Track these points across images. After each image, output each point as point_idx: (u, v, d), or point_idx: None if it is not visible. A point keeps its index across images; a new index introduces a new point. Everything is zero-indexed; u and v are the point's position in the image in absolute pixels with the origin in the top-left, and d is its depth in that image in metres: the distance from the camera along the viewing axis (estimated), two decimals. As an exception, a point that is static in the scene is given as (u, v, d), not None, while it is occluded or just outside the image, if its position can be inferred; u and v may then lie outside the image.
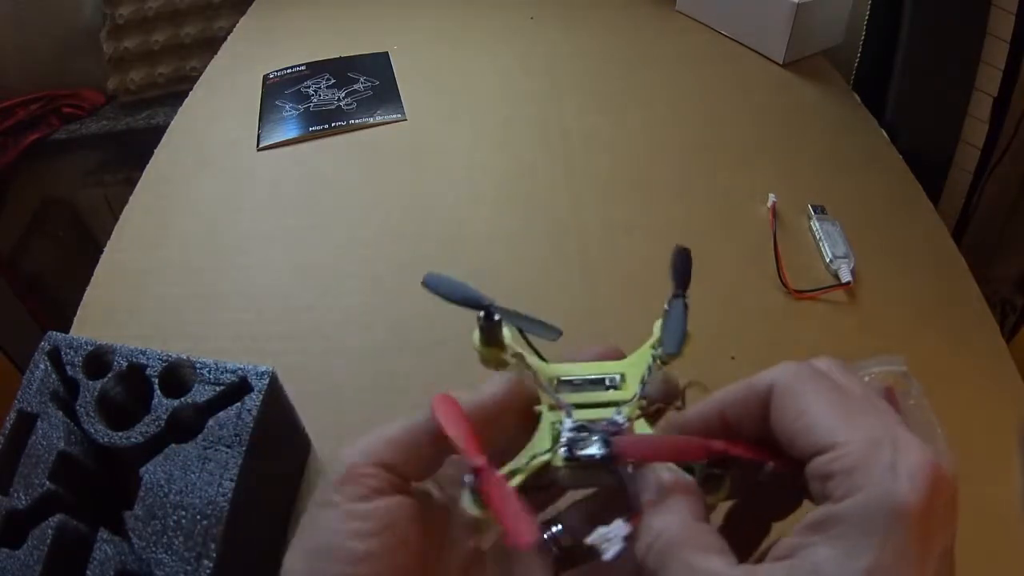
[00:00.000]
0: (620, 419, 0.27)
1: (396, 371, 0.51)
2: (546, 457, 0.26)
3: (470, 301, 0.29)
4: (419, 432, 0.25)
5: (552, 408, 0.28)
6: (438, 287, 0.29)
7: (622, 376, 0.30)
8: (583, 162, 0.67)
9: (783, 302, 0.55)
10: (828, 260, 0.57)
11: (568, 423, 0.27)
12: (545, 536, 0.28)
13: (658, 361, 0.29)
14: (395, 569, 0.23)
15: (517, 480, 0.25)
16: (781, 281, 0.56)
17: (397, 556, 0.23)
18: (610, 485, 0.26)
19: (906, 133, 0.71)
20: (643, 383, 0.29)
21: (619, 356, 0.31)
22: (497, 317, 0.30)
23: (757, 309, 0.54)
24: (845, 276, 0.55)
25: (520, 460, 0.26)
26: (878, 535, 0.18)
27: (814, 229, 0.59)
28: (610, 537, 0.24)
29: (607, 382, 0.29)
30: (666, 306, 0.31)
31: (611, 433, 0.26)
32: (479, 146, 0.70)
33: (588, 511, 0.29)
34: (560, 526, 0.28)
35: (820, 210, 0.60)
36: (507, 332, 0.31)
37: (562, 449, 0.26)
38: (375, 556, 0.23)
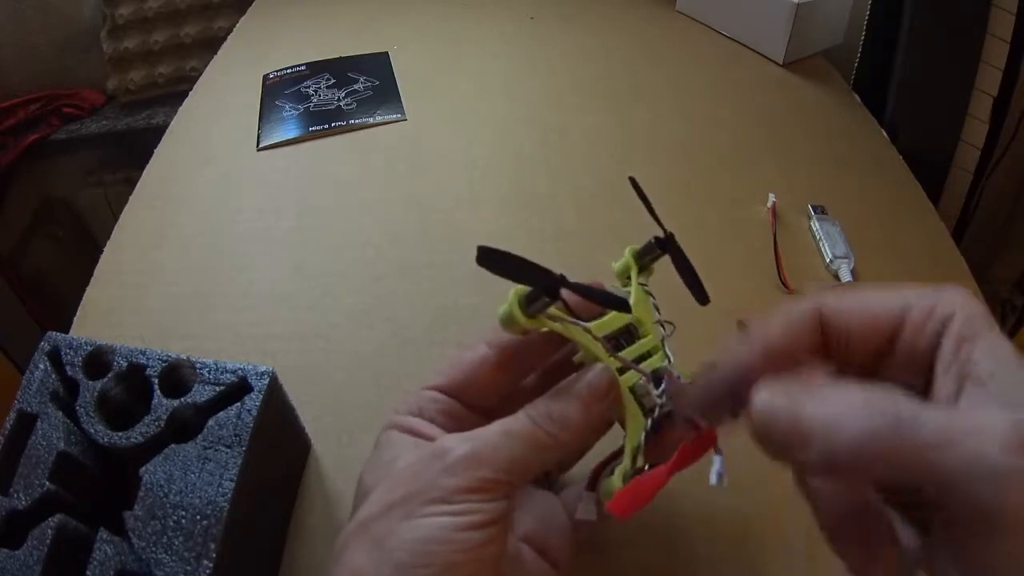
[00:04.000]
0: (676, 372, 0.30)
1: (396, 371, 0.51)
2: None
3: (538, 279, 0.28)
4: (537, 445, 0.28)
5: (620, 371, 0.30)
6: (496, 265, 0.27)
7: (637, 319, 0.32)
8: (583, 162, 0.67)
9: (783, 302, 0.55)
10: (828, 260, 0.57)
11: (642, 380, 0.30)
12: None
13: (645, 286, 0.32)
14: (493, 557, 0.27)
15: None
16: (781, 281, 0.56)
17: (495, 546, 0.27)
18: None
19: (906, 133, 0.71)
20: (660, 324, 0.32)
21: (600, 286, 0.32)
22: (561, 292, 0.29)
23: (757, 309, 0.54)
24: (845, 276, 0.55)
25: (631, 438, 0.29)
26: (990, 322, 0.22)
27: (814, 229, 0.59)
28: (721, 471, 0.26)
29: (634, 330, 0.32)
30: (657, 246, 0.33)
31: (672, 384, 0.29)
32: (479, 146, 0.70)
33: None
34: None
35: (820, 210, 0.60)
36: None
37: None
38: (487, 543, 0.26)
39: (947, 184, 0.75)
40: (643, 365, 0.30)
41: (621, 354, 0.30)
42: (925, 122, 0.73)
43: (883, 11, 0.74)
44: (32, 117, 1.12)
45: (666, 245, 0.32)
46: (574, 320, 0.30)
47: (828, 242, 0.57)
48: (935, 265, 0.58)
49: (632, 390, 0.29)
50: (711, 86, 0.76)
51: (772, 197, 0.61)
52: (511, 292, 0.29)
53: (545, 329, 0.29)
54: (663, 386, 0.29)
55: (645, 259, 0.34)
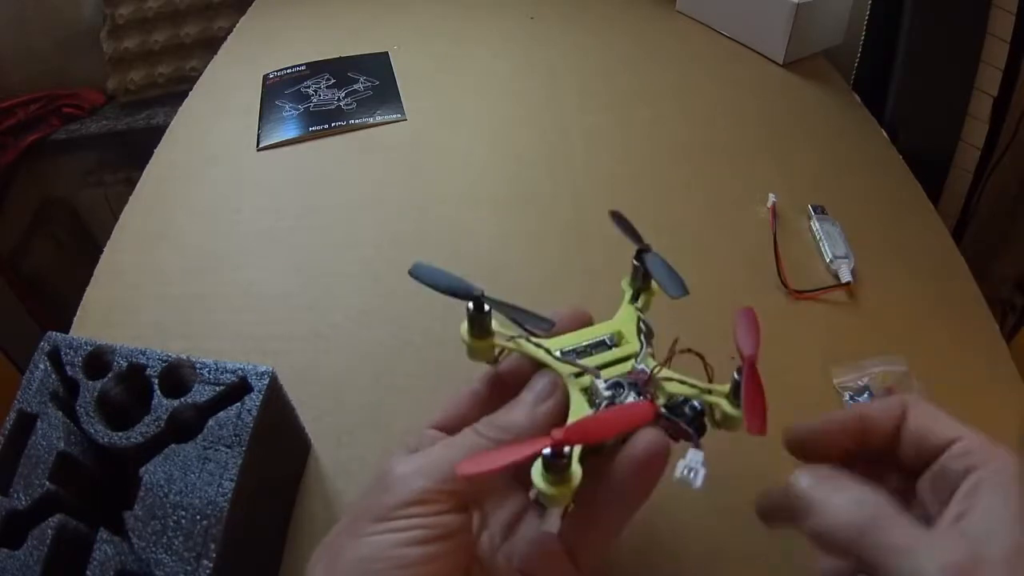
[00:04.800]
0: (644, 368, 0.29)
1: (396, 371, 0.51)
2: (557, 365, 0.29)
3: (459, 291, 0.30)
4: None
5: (577, 376, 0.29)
6: (425, 277, 0.30)
7: (618, 333, 0.31)
8: (583, 162, 0.67)
9: (783, 302, 0.55)
10: (828, 260, 0.57)
11: (601, 383, 0.28)
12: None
13: (639, 312, 0.32)
14: (445, 573, 0.26)
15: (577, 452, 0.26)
16: (781, 281, 0.56)
17: (445, 562, 0.26)
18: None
19: (906, 133, 0.71)
20: (642, 334, 0.31)
21: (587, 317, 0.32)
22: (487, 308, 0.30)
23: (757, 309, 0.54)
24: (845, 276, 0.55)
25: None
26: (1018, 481, 0.25)
27: (814, 229, 0.59)
28: (693, 466, 0.27)
29: (608, 342, 0.31)
30: (635, 262, 0.32)
31: (643, 382, 0.27)
32: (479, 146, 0.70)
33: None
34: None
35: (820, 210, 0.60)
36: (495, 322, 0.31)
37: (604, 404, 0.28)
38: (431, 560, 0.25)
39: (947, 184, 0.75)
40: (614, 368, 0.29)
41: (583, 361, 0.30)
42: (925, 122, 0.73)
43: (883, 11, 0.74)
44: (32, 117, 1.12)
45: (641, 256, 0.32)
46: (522, 335, 0.30)
47: (828, 242, 0.57)
48: (935, 265, 0.58)
49: (587, 392, 0.29)
50: (711, 86, 0.76)
51: (772, 197, 0.61)
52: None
53: (503, 351, 0.30)
54: (606, 383, 0.29)
55: (636, 282, 0.34)
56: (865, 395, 0.47)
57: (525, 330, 0.31)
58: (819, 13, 0.76)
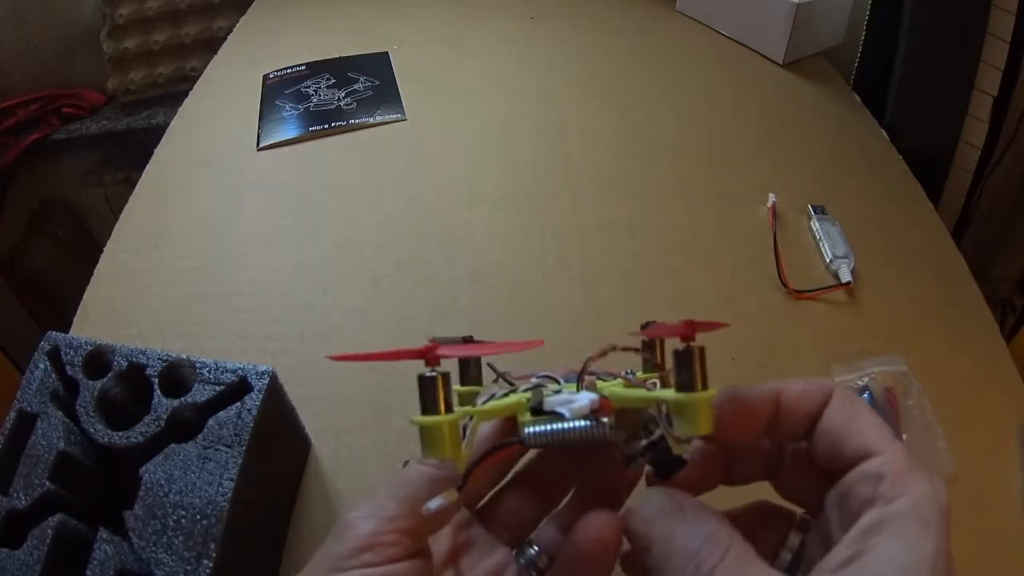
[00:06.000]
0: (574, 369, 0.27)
1: (396, 371, 0.51)
2: (514, 399, 0.26)
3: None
4: (428, 491, 0.25)
5: (527, 411, 0.27)
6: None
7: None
8: (583, 162, 0.67)
9: (783, 302, 0.55)
10: (828, 260, 0.57)
11: (535, 380, 0.27)
12: (522, 561, 0.28)
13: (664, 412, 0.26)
14: None
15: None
16: (781, 281, 0.56)
17: None
18: (580, 442, 0.25)
19: (906, 133, 0.71)
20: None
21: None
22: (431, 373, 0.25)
23: (757, 309, 0.55)
24: (845, 276, 0.55)
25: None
26: (934, 527, 0.20)
27: (814, 229, 0.59)
28: (575, 403, 0.24)
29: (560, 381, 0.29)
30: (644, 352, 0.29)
31: (578, 373, 0.26)
32: (479, 146, 0.70)
33: (561, 523, 0.29)
34: (536, 548, 0.29)
35: (820, 210, 0.60)
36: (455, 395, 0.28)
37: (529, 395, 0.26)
38: None
39: (947, 184, 0.75)
40: (562, 396, 0.26)
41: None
42: (925, 122, 0.73)
43: (883, 11, 0.74)
44: (32, 117, 1.12)
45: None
46: (469, 390, 0.29)
47: (828, 242, 0.57)
48: (935, 265, 0.58)
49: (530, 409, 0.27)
50: (711, 86, 0.76)
51: (772, 197, 0.61)
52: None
53: (465, 420, 0.27)
54: (538, 380, 0.27)
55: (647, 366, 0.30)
56: (865, 395, 0.47)
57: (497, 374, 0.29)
58: (819, 13, 0.76)
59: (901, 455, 0.22)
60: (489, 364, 0.30)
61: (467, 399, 0.29)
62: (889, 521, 0.21)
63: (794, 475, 0.26)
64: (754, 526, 0.26)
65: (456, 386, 0.29)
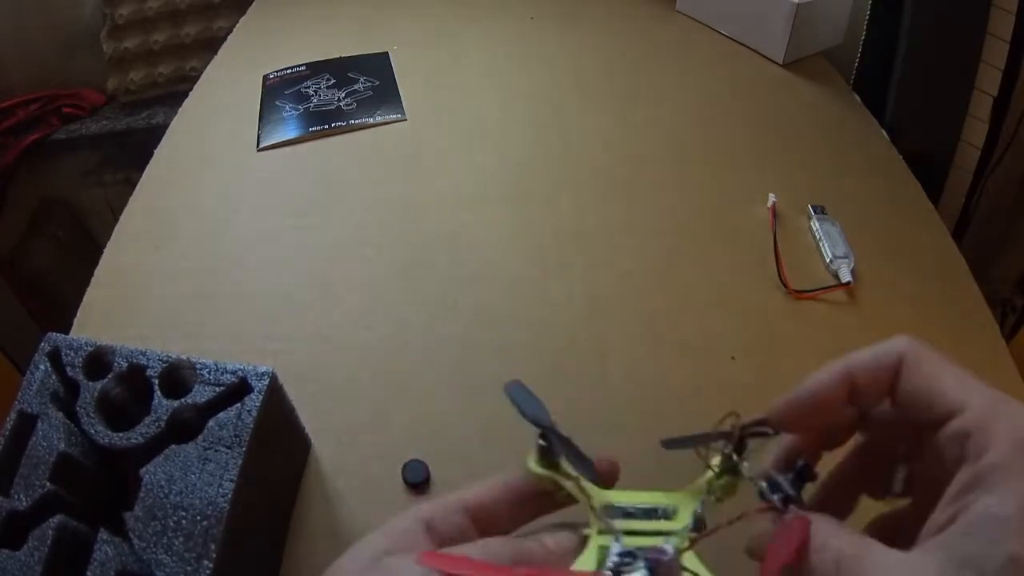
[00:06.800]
0: (668, 548, 0.27)
1: (396, 371, 0.51)
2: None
3: (538, 421, 0.29)
4: None
5: (601, 532, 0.28)
6: (515, 397, 0.30)
7: (675, 508, 0.30)
8: (583, 162, 0.67)
9: (783, 302, 0.55)
10: (828, 260, 0.57)
11: (616, 547, 0.28)
12: None
13: (713, 496, 0.29)
14: None
15: None
16: (781, 281, 0.56)
17: None
18: None
19: (906, 133, 0.71)
20: (695, 517, 0.29)
21: (616, 471, 0.30)
22: (544, 443, 0.29)
23: (757, 309, 0.55)
24: (845, 276, 0.55)
25: None
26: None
27: (814, 229, 0.59)
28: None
29: (659, 512, 0.30)
30: (726, 451, 0.30)
31: (656, 561, 0.27)
32: (479, 146, 0.70)
33: None
34: None
35: (820, 210, 0.60)
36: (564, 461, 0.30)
37: (608, 572, 0.26)
38: None
39: (947, 184, 0.75)
40: (640, 539, 0.28)
41: (622, 522, 0.29)
42: (925, 122, 0.73)
43: (883, 11, 0.74)
44: (32, 117, 1.12)
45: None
46: (576, 477, 0.29)
47: (828, 242, 0.57)
48: (935, 265, 0.58)
49: (602, 550, 0.28)
50: (711, 86, 0.76)
51: (772, 197, 0.61)
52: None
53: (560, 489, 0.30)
54: (620, 549, 0.28)
55: (723, 464, 0.32)
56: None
57: (584, 465, 0.31)
58: (819, 13, 0.76)
59: (981, 407, 0.22)
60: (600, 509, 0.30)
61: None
62: (981, 476, 0.21)
63: (887, 430, 0.26)
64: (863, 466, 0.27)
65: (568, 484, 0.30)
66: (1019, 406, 0.21)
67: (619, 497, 0.30)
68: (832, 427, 0.28)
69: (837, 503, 0.28)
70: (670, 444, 0.29)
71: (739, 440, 0.28)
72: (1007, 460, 0.20)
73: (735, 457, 0.29)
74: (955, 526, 0.20)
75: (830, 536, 0.22)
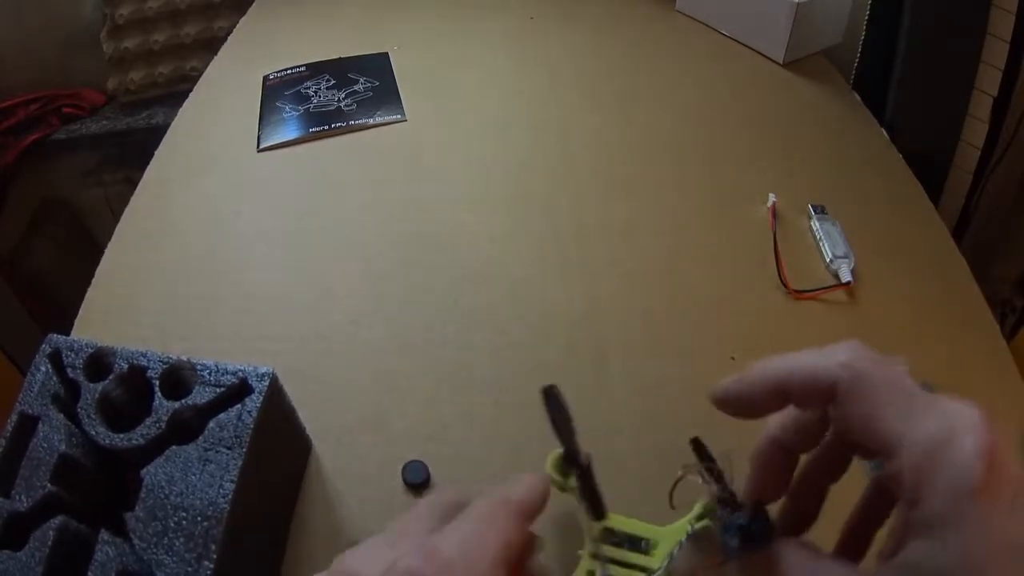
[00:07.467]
0: None
1: (396, 371, 0.51)
2: None
3: (566, 438, 0.30)
4: None
5: (592, 556, 0.32)
6: (550, 404, 0.30)
7: (656, 542, 0.33)
8: (583, 162, 0.67)
9: (783, 302, 0.55)
10: (828, 260, 0.57)
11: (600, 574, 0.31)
12: None
13: (689, 536, 0.32)
14: None
15: None
16: (781, 281, 0.56)
17: None
18: None
19: (906, 133, 0.71)
20: (671, 557, 0.32)
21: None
22: (571, 470, 0.31)
23: (757, 309, 0.55)
24: (845, 276, 0.55)
25: None
26: (960, 521, 0.19)
27: (814, 229, 0.59)
28: None
29: (643, 545, 0.33)
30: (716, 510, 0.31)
31: None
32: (479, 146, 0.70)
33: None
34: None
35: (820, 210, 0.60)
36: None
37: None
38: None
39: (947, 184, 0.75)
40: (621, 571, 0.32)
41: (610, 549, 0.32)
42: (925, 122, 0.73)
43: (883, 11, 0.74)
44: (32, 117, 1.12)
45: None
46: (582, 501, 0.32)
47: (828, 242, 0.57)
48: (935, 265, 0.58)
49: (591, 574, 0.31)
50: (711, 86, 0.76)
51: (772, 197, 0.61)
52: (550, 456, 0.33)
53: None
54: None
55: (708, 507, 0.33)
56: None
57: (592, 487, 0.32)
58: (819, 13, 0.76)
59: (920, 450, 0.21)
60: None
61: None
62: (915, 523, 0.20)
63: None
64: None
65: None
66: (958, 451, 0.20)
67: (615, 522, 0.33)
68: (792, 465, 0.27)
69: (855, 543, 0.28)
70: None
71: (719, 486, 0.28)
72: (941, 512, 0.20)
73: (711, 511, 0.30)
74: (895, 560, 0.21)
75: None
